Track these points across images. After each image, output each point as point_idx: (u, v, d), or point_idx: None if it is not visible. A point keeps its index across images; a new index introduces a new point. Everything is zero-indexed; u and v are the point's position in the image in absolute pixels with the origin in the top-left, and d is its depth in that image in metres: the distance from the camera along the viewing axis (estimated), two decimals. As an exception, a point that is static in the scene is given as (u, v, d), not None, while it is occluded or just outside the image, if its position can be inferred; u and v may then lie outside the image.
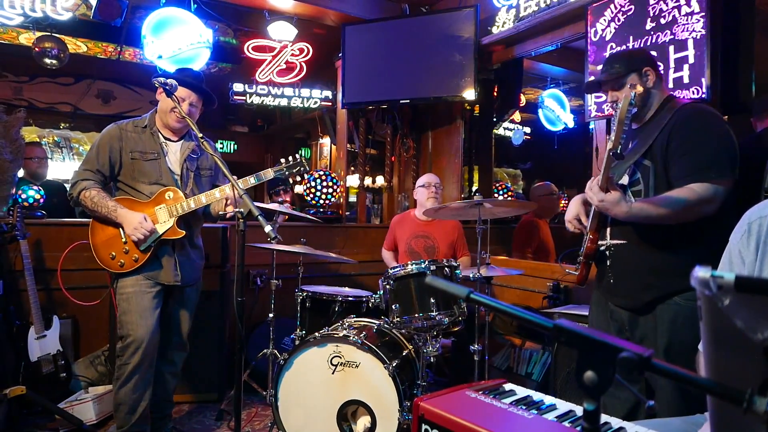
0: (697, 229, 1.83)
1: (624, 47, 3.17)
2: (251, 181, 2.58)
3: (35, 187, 3.70)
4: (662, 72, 2.10)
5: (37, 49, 4.88)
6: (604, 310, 2.08)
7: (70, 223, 3.60)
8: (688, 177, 1.81)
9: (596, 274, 2.12)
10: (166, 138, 2.66)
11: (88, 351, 3.55)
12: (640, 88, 1.98)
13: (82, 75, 8.45)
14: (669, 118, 1.90)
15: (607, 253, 2.00)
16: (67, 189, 2.59)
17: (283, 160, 2.65)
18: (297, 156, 2.66)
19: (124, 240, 2.51)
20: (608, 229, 2.00)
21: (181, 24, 4.41)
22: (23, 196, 3.58)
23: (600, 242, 2.01)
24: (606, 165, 1.82)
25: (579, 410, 1.32)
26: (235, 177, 2.32)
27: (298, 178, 7.67)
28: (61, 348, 3.18)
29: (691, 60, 2.83)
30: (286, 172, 2.64)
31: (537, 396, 1.42)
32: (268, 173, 2.60)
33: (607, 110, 1.88)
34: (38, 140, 8.26)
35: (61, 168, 8.37)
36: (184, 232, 2.56)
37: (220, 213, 2.71)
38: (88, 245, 2.56)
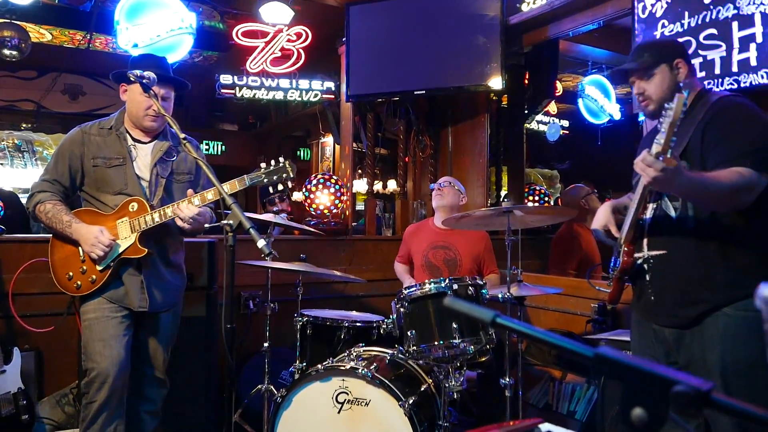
0: (744, 233, 1.93)
1: (678, 24, 3.17)
2: (208, 197, 2.49)
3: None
4: (694, 66, 2.34)
5: (-6, 38, 4.98)
6: (645, 332, 2.15)
7: (32, 239, 3.64)
8: (725, 163, 1.88)
9: (634, 291, 2.19)
10: (135, 140, 2.68)
11: (54, 389, 3.57)
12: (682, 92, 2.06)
13: (46, 68, 8.58)
14: (704, 114, 2.01)
15: (645, 266, 2.08)
16: (21, 199, 2.65)
17: (263, 165, 2.52)
18: (280, 159, 2.52)
19: (82, 259, 2.56)
20: (645, 240, 2.08)
21: (160, 7, 4.49)
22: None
23: (636, 255, 2.08)
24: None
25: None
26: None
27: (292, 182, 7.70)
28: (23, 386, 3.21)
29: (759, 39, 2.81)
30: (265, 180, 2.50)
31: (579, 438, 1.41)
32: (243, 181, 2.48)
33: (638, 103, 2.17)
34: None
35: (23, 175, 8.48)
36: (147, 249, 2.54)
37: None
38: (48, 265, 2.61)
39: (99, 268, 2.54)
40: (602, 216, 2.22)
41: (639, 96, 2.16)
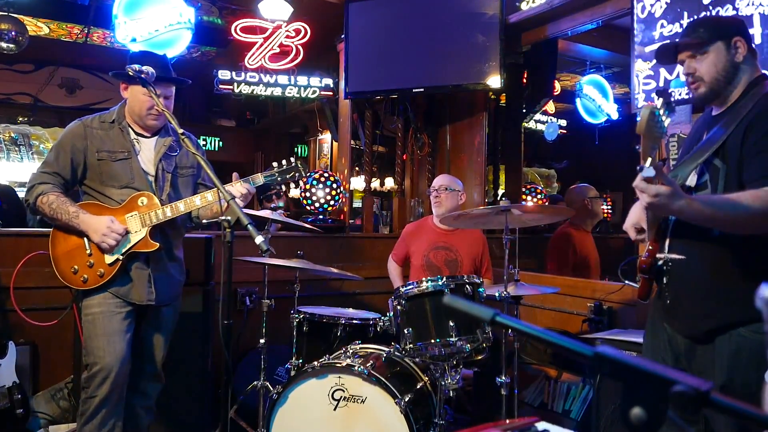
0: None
1: (677, 24, 3.17)
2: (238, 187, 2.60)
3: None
4: (754, 46, 2.01)
5: (-9, 31, 4.96)
6: (660, 333, 2.06)
7: (28, 233, 3.63)
8: (762, 179, 1.71)
9: (655, 291, 2.09)
10: (138, 134, 2.69)
11: (49, 383, 3.57)
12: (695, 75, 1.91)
13: (43, 61, 8.55)
14: (751, 108, 1.83)
15: (665, 268, 1.97)
16: (18, 193, 2.63)
17: (275, 164, 2.67)
18: (292, 159, 2.67)
19: (89, 252, 2.54)
20: (667, 241, 1.97)
21: (159, 2, 4.47)
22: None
23: (658, 255, 1.97)
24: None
25: (626, 454, 1.31)
26: (236, 182, 2.34)
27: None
28: (18, 380, 3.21)
29: (758, 40, 2.81)
30: (278, 179, 2.67)
31: (576, 437, 1.42)
32: (257, 179, 2.63)
33: (674, 91, 1.84)
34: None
35: (19, 169, 8.45)
36: (158, 244, 2.57)
37: (206, 220, 2.74)
38: (48, 258, 2.58)
39: (108, 261, 2.52)
40: (633, 213, 2.06)
41: (689, 77, 1.96)
